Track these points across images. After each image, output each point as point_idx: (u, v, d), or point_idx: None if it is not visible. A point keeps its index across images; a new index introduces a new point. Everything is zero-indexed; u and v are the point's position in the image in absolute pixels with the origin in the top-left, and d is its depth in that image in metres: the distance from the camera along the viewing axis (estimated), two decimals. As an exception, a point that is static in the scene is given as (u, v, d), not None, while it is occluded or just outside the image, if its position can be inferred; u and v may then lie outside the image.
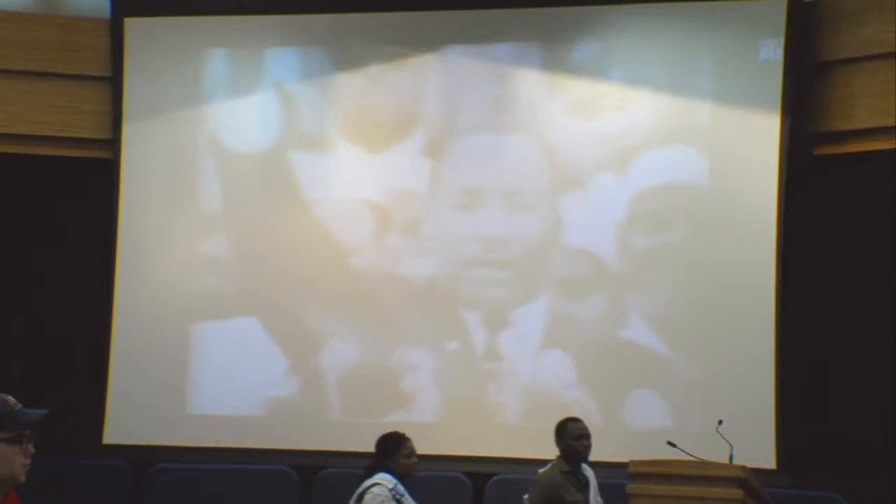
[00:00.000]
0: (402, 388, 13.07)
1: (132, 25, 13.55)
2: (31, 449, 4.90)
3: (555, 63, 13.04)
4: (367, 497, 9.41)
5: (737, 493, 8.68)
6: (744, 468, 9.02)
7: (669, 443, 9.71)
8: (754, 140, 12.41)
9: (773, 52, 12.37)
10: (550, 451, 10.10)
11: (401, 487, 9.54)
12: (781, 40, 12.33)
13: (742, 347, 12.15)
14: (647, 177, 12.73)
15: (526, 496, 10.02)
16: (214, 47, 13.68)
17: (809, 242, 12.24)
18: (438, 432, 12.78)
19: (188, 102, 13.67)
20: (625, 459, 9.68)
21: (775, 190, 12.21)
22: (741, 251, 12.34)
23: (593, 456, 10.15)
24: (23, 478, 4.89)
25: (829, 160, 12.35)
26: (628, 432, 12.21)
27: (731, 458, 9.41)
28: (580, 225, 12.82)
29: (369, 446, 10.43)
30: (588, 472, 10.28)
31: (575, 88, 13.02)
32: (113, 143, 13.56)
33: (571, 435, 10.20)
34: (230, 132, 13.59)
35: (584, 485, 10.17)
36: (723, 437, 9.47)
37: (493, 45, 13.17)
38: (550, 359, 12.79)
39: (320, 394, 13.18)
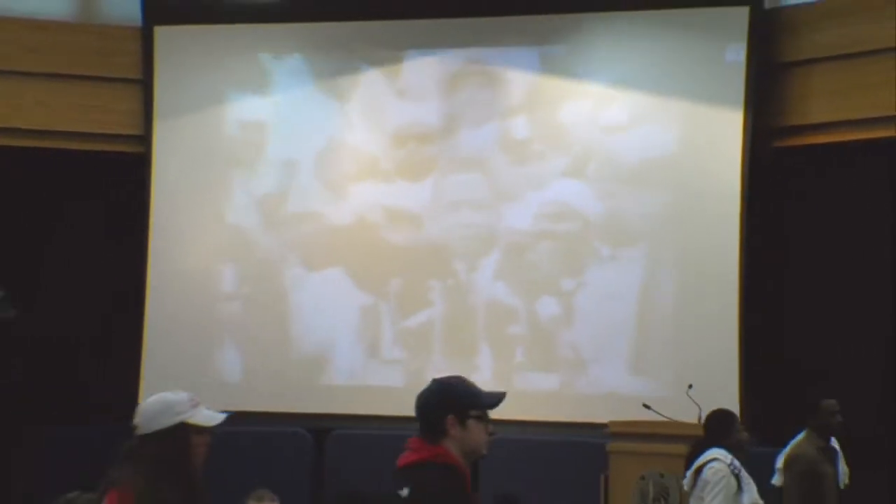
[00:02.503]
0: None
1: (161, 33, 13.62)
2: (491, 427, 5.19)
3: (546, 63, 13.10)
4: (707, 472, 9.20)
5: None
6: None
7: (645, 405, 9.82)
8: (720, 133, 12.46)
9: (737, 54, 12.44)
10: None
11: (737, 462, 9.30)
12: (745, 44, 12.41)
13: (708, 321, 12.18)
14: (627, 161, 12.76)
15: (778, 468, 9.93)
16: (233, 53, 13.68)
17: (770, 224, 12.35)
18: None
19: (211, 101, 13.73)
20: (605, 420, 9.78)
21: (738, 177, 12.27)
22: (708, 229, 12.41)
23: (577, 417, 10.31)
24: (485, 451, 5.13)
25: (787, 151, 12.46)
26: (608, 396, 12.14)
27: (699, 418, 9.46)
28: (570, 194, 12.91)
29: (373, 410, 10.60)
30: (835, 444, 10.33)
31: (564, 86, 13.07)
32: (145, 138, 13.62)
33: (827, 412, 10.18)
34: (252, 129, 13.69)
35: (833, 458, 10.25)
36: (692, 400, 9.59)
37: (488, 47, 13.18)
38: (539, 331, 12.87)
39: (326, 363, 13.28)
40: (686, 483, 9.14)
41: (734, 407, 11.47)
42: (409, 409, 12.22)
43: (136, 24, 13.71)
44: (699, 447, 9.13)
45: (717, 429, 9.46)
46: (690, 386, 9.79)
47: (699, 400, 9.70)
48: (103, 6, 13.92)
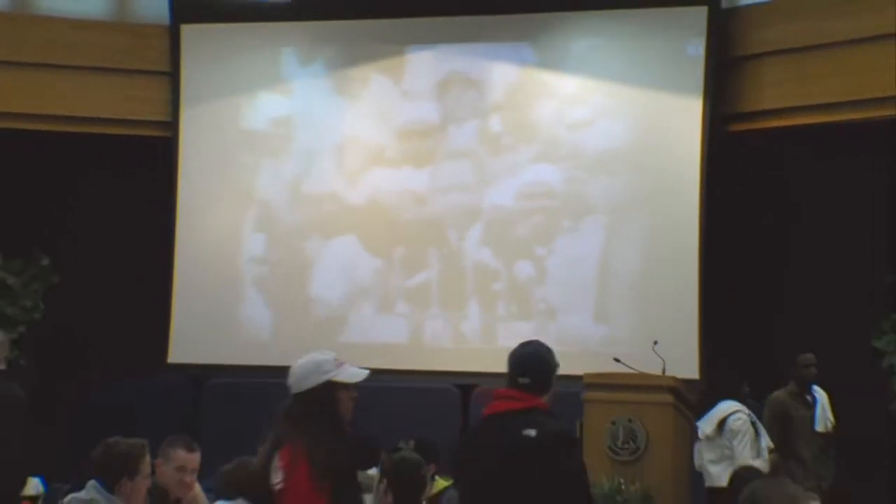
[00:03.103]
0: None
1: (187, 31, 13.65)
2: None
3: (526, 58, 13.11)
4: (733, 423, 9.30)
5: (668, 398, 8.91)
6: (674, 378, 9.35)
7: (615, 359, 9.88)
8: (682, 119, 12.50)
9: (697, 49, 12.45)
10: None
11: (752, 413, 9.53)
12: (704, 40, 12.42)
13: (672, 285, 12.28)
14: (599, 145, 12.81)
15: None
16: (251, 47, 13.70)
17: (726, 197, 12.35)
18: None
19: (232, 91, 13.77)
20: (580, 373, 9.77)
21: (698, 157, 12.32)
22: (672, 203, 12.48)
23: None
24: None
25: (741, 135, 12.53)
26: (583, 351, 12.08)
27: (664, 371, 9.60)
28: (545, 175, 12.97)
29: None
30: (819, 393, 10.53)
31: (543, 78, 13.11)
32: (172, 124, 13.69)
33: (801, 365, 10.47)
34: (262, 116, 13.77)
35: (811, 404, 10.48)
36: (658, 355, 9.70)
37: (478, 43, 13.23)
38: (517, 289, 12.98)
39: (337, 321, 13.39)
40: (709, 431, 9.35)
41: (694, 362, 11.76)
42: (412, 364, 12.25)
43: (165, 23, 13.72)
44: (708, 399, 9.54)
45: (727, 383, 9.86)
46: (656, 342, 9.82)
47: (663, 354, 9.79)
48: (135, 7, 13.92)
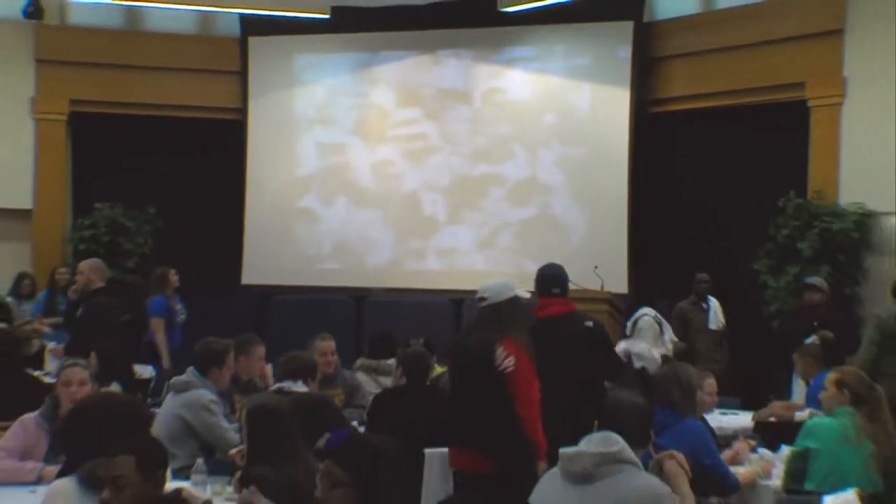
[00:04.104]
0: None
1: (253, 41, 13.59)
2: None
3: (496, 59, 13.13)
4: (641, 322, 9.33)
5: (605, 307, 8.89)
6: (609, 293, 9.39)
7: (595, 267, 9.89)
8: (615, 105, 12.51)
9: (625, 52, 12.45)
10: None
11: (659, 315, 9.50)
12: (630, 46, 12.43)
13: (609, 228, 12.34)
14: (553, 126, 12.82)
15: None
16: (300, 53, 13.71)
17: (648, 162, 12.37)
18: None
19: (286, 85, 13.76)
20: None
21: (627, 133, 12.37)
22: (607, 168, 12.45)
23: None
24: None
25: (657, 115, 12.58)
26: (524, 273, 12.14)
27: (602, 287, 9.58)
28: (512, 162, 12.96)
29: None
30: (712, 302, 10.70)
31: (505, 78, 13.11)
32: (242, 110, 13.70)
33: (698, 281, 10.68)
34: (307, 104, 13.74)
35: (705, 310, 10.64)
36: (597, 276, 9.66)
37: (457, 49, 13.25)
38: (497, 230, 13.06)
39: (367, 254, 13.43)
40: (628, 330, 9.44)
41: (624, 281, 11.82)
42: (419, 285, 12.06)
43: (236, 36, 13.69)
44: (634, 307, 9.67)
45: (646, 296, 10.19)
46: (596, 267, 9.74)
47: (602, 276, 9.75)
48: (215, 24, 13.87)
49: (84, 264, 8.45)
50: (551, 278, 6.59)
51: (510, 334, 5.64)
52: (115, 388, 6.17)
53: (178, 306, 10.71)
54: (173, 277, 10.68)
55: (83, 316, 8.15)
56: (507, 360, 5.55)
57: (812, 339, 9.12)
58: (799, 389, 9.37)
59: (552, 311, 6.43)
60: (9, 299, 11.36)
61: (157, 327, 10.12)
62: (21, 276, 11.98)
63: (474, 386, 5.66)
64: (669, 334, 9.74)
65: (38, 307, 11.48)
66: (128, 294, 8.71)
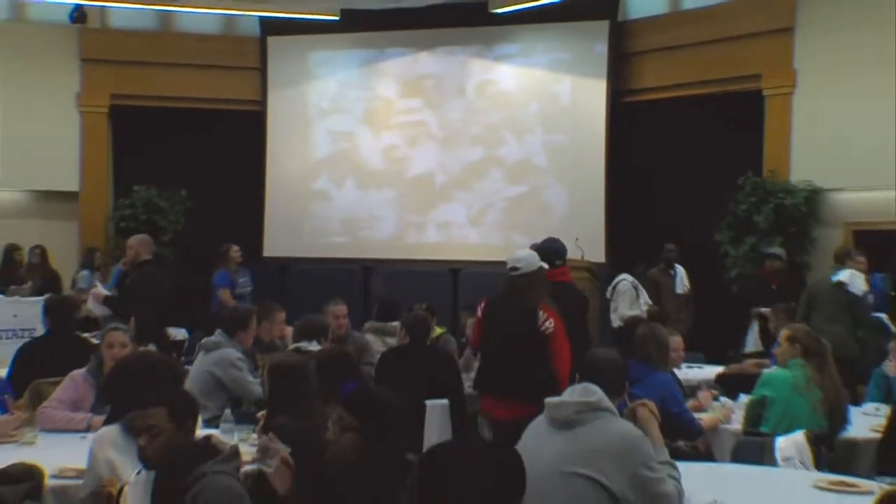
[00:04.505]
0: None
1: (271, 41, 13.54)
2: None
3: (487, 55, 13.04)
4: (618, 286, 9.46)
5: (587, 274, 8.76)
6: (589, 262, 9.25)
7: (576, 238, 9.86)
8: (593, 97, 12.47)
9: (602, 48, 12.42)
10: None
11: (636, 281, 9.59)
12: (606, 42, 12.39)
13: (590, 204, 12.26)
14: (539, 113, 12.77)
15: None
16: (313, 51, 13.61)
17: (621, 145, 12.34)
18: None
19: (301, 80, 13.68)
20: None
21: (604, 120, 12.33)
22: (587, 152, 12.39)
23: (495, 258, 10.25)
24: None
25: (630, 104, 12.51)
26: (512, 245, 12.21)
27: (583, 257, 9.35)
28: (503, 146, 12.89)
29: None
30: (679, 269, 10.75)
31: (495, 72, 13.04)
32: (262, 102, 13.64)
33: (667, 251, 10.74)
34: (319, 96, 13.66)
35: (672, 276, 10.68)
36: (578, 247, 9.72)
37: (451, 46, 13.18)
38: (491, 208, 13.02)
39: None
40: (608, 294, 9.45)
41: (602, 251, 11.77)
42: (420, 255, 11.99)
43: (256, 36, 13.64)
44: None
45: (623, 264, 10.26)
46: (577, 238, 9.58)
47: (582, 247, 9.71)
48: (237, 26, 13.78)
49: (133, 239, 8.45)
50: (554, 251, 6.68)
51: (542, 299, 5.84)
52: (151, 348, 6.16)
53: (242, 279, 10.65)
54: (234, 254, 10.69)
55: (132, 284, 8.18)
56: (547, 322, 5.75)
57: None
58: (753, 341, 9.46)
59: (559, 278, 6.55)
60: (84, 272, 11.39)
61: (224, 297, 10.10)
62: (90, 251, 11.99)
63: (518, 344, 5.78)
64: (645, 297, 9.76)
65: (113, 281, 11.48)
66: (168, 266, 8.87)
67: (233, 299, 10.02)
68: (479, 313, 6.19)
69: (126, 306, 7.88)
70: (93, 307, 9.17)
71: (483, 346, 6.19)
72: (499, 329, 5.95)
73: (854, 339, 8.65)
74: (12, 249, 11.66)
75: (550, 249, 6.70)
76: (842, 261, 9.20)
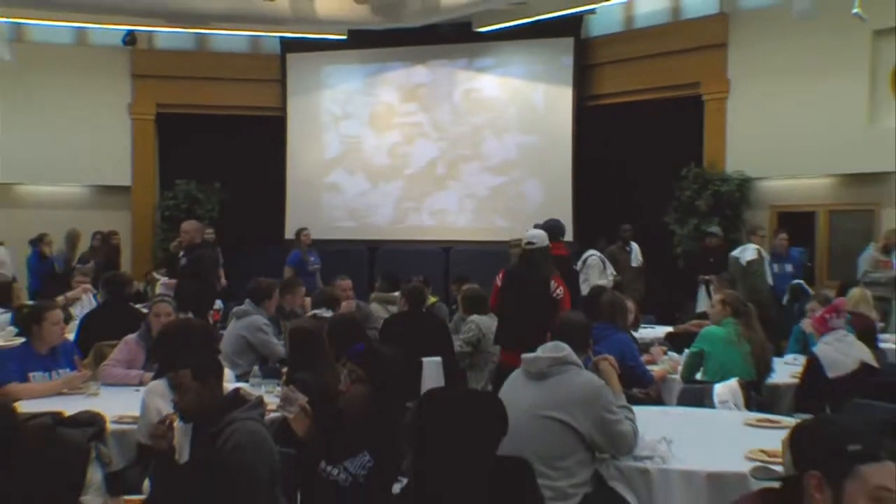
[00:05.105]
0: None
1: (290, 57, 13.44)
2: None
3: (472, 67, 12.95)
4: (588, 260, 9.19)
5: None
6: (565, 243, 9.27)
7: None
8: (561, 102, 12.39)
9: (568, 60, 12.35)
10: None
11: (603, 255, 9.30)
12: (572, 55, 12.32)
13: (559, 192, 12.20)
14: (515, 117, 12.68)
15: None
16: (325, 65, 13.45)
17: (587, 142, 12.29)
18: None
19: (315, 90, 13.56)
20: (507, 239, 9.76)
21: (570, 123, 12.29)
22: (556, 149, 12.34)
23: (488, 237, 10.23)
24: None
25: (592, 108, 12.42)
26: (495, 227, 12.29)
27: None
28: (485, 144, 12.81)
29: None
30: (634, 246, 10.69)
31: (478, 81, 12.94)
32: (283, 108, 13.53)
33: (623, 231, 10.67)
34: (331, 103, 13.53)
35: (629, 252, 10.62)
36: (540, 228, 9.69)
37: (440, 59, 13.07)
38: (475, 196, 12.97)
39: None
40: (578, 266, 9.40)
41: (570, 232, 11.45)
42: (415, 237, 11.94)
43: (277, 53, 13.54)
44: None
45: (589, 242, 10.09)
46: (544, 221, 9.71)
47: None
48: (261, 45, 13.68)
49: (189, 224, 8.44)
50: (556, 229, 6.80)
51: (553, 270, 5.98)
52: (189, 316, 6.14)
53: (312, 258, 10.54)
54: (305, 237, 10.66)
55: (187, 264, 8.17)
56: (557, 289, 5.90)
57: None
58: (704, 303, 9.48)
59: (560, 252, 6.67)
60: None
61: (286, 274, 9.88)
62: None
63: (534, 307, 5.85)
64: (611, 269, 9.69)
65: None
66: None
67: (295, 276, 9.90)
68: (499, 282, 6.21)
69: (182, 282, 7.84)
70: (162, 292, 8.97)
71: (503, 309, 6.19)
72: (518, 294, 6.01)
73: (751, 302, 8.56)
74: (74, 235, 11.63)
75: (555, 227, 6.85)
76: (749, 236, 9.32)
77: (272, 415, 3.75)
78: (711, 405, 4.94)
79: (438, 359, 6.23)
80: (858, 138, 9.84)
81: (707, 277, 9.37)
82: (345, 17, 11.50)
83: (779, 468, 2.11)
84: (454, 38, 12.66)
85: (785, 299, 9.52)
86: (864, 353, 5.34)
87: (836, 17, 9.41)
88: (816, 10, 9.10)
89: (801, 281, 9.42)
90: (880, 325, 7.35)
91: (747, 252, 8.95)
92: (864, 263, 9.30)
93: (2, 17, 11.46)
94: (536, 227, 6.83)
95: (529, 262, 6.01)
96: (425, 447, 2.57)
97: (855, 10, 8.76)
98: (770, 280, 9.19)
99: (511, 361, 5.89)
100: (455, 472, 2.51)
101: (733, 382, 5.06)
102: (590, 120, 12.34)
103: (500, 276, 6.22)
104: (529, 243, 6.00)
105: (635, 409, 3.88)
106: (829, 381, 5.15)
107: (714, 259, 9.80)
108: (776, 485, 2.09)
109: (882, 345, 6.30)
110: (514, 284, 6.10)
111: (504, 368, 6.04)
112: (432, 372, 6.14)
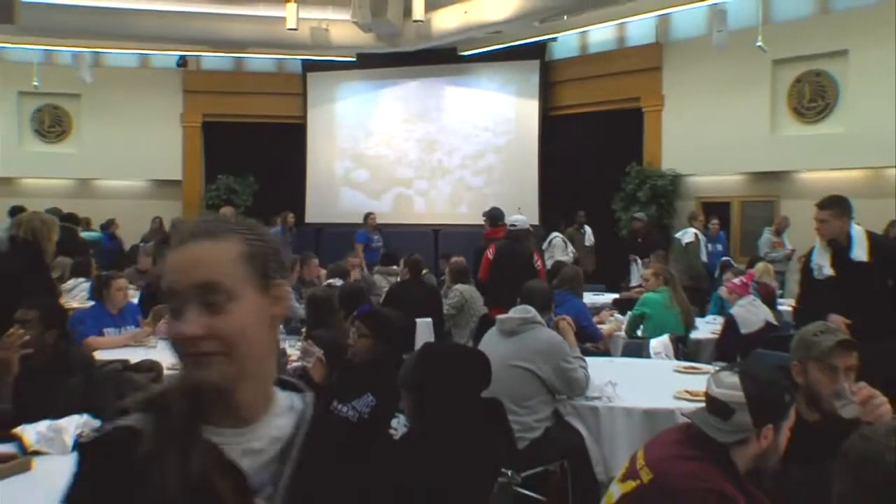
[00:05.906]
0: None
1: (309, 76, 13.27)
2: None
3: (457, 83, 12.77)
4: (552, 240, 9.15)
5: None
6: (530, 224, 9.17)
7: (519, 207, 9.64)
8: (529, 112, 12.27)
9: (535, 78, 12.19)
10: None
11: (565, 237, 9.21)
12: (538, 74, 12.18)
13: (527, 191, 12.06)
14: (491, 125, 12.54)
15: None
16: (339, 81, 13.26)
17: (549, 147, 12.19)
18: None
19: (330, 102, 13.37)
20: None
21: (537, 130, 12.16)
22: (524, 152, 12.23)
23: (464, 222, 10.24)
24: None
25: (555, 118, 12.30)
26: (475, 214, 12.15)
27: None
28: (468, 145, 12.66)
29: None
30: (587, 228, 10.50)
31: (462, 95, 12.76)
32: (303, 117, 13.38)
33: (577, 217, 10.51)
34: (345, 112, 13.35)
35: (583, 234, 10.48)
36: (521, 213, 9.57)
37: (431, 77, 12.84)
38: (459, 187, 12.88)
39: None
40: (544, 246, 9.34)
41: (536, 217, 11.60)
42: (411, 220, 11.77)
43: (299, 72, 13.35)
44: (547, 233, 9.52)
45: (553, 226, 10.00)
46: (519, 208, 9.36)
47: (523, 213, 9.60)
48: (287, 65, 13.45)
49: (226, 210, 8.36)
50: (498, 215, 6.73)
51: (534, 247, 6.00)
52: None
53: (375, 237, 10.40)
54: (372, 220, 10.56)
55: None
56: (537, 262, 5.88)
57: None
58: (635, 277, 9.47)
59: (497, 235, 6.53)
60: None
61: (357, 248, 9.70)
62: None
63: (519, 275, 5.70)
64: (571, 248, 9.68)
65: None
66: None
67: (363, 252, 9.69)
68: (490, 255, 6.10)
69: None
70: None
71: (494, 276, 6.08)
72: (507, 265, 5.96)
73: (689, 275, 8.50)
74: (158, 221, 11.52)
75: (496, 214, 6.80)
76: (689, 222, 9.30)
77: (294, 364, 3.72)
78: (648, 356, 4.95)
79: (429, 319, 6.19)
80: (763, 144, 10.01)
81: (634, 256, 9.39)
82: (354, 43, 11.37)
83: (701, 404, 2.09)
84: (442, 59, 12.53)
85: (717, 273, 9.53)
86: (768, 315, 5.38)
87: (745, 49, 9.61)
88: (728, 42, 9.53)
89: (730, 258, 9.46)
90: (779, 291, 7.38)
91: (687, 235, 8.94)
92: (763, 245, 9.39)
93: (85, 47, 11.87)
94: (484, 214, 6.84)
95: (515, 240, 5.97)
96: (424, 394, 2.51)
97: (758, 43, 9.33)
98: (705, 258, 9.20)
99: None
100: (451, 412, 2.48)
101: (665, 338, 5.07)
102: (552, 127, 12.25)
103: (492, 250, 6.13)
104: (513, 225, 5.99)
105: (587, 359, 3.88)
106: (742, 336, 5.17)
107: (641, 239, 9.73)
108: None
109: (780, 307, 6.33)
110: (504, 256, 6.06)
111: (492, 320, 6.05)
112: (424, 330, 6.11)
